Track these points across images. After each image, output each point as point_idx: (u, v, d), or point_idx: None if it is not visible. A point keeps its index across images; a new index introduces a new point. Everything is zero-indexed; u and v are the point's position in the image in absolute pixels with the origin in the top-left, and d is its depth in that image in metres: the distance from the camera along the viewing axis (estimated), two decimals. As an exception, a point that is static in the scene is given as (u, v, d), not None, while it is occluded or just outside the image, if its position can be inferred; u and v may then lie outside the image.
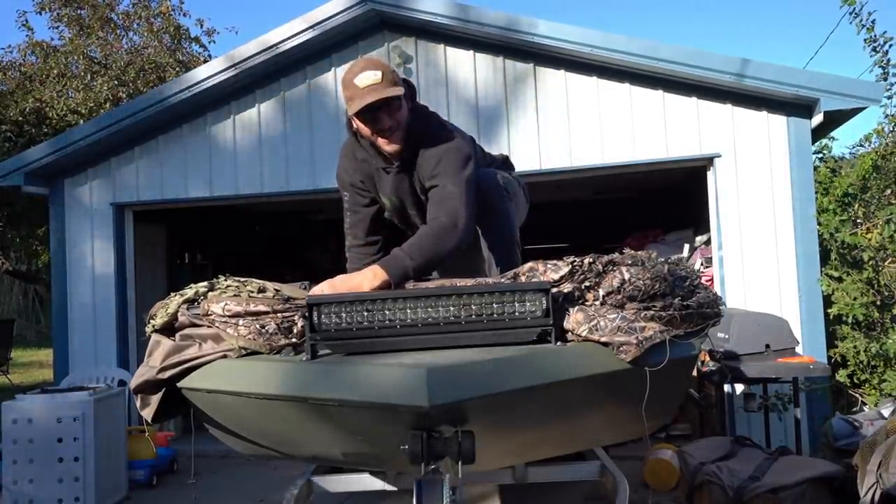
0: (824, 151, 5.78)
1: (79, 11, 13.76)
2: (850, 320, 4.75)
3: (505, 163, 2.98)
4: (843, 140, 36.55)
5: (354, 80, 2.36)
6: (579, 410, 2.00)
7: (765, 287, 5.13)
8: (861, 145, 5.91)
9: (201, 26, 14.84)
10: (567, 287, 1.94)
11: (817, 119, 5.00)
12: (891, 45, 5.22)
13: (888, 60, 5.25)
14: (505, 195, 2.58)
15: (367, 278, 2.15)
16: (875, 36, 5.25)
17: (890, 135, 5.53)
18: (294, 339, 1.99)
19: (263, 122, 5.90)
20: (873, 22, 5.24)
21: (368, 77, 2.34)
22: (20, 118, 11.13)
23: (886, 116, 5.43)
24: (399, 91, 2.35)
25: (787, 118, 5.15)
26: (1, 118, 10.89)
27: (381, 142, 2.46)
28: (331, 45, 5.71)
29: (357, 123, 2.46)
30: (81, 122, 10.60)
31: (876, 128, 5.63)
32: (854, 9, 5.25)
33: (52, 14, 13.68)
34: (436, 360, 1.72)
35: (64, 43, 13.64)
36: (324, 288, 2.16)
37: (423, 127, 2.49)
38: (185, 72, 12.35)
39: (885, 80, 5.27)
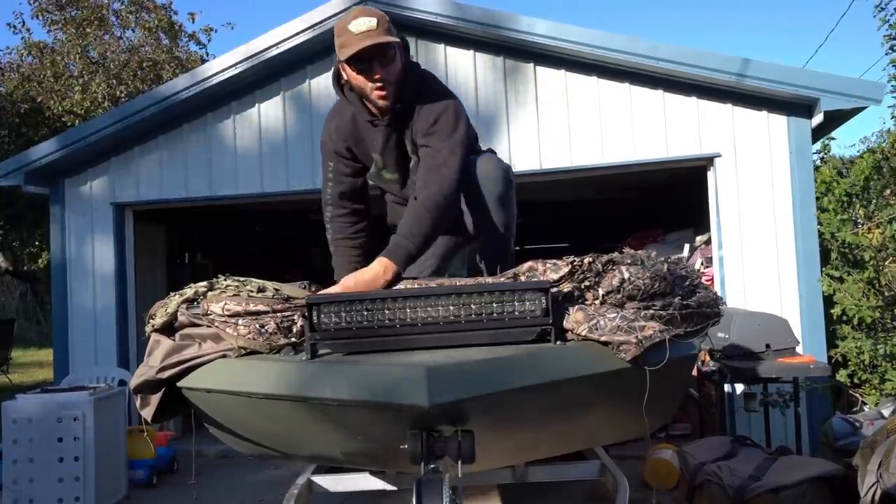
0: (825, 152, 5.76)
1: (73, 13, 13.70)
2: (854, 321, 4.74)
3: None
4: (842, 140, 36.52)
5: (348, 27, 2.29)
6: (579, 410, 2.00)
7: (765, 287, 5.12)
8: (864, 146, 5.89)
9: (193, 20, 14.76)
10: (567, 286, 1.93)
11: (817, 119, 5.00)
12: None
13: None
14: (511, 188, 2.54)
15: (378, 273, 2.14)
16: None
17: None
18: (294, 339, 1.99)
19: (263, 122, 5.89)
20: None
21: (363, 23, 2.26)
22: (17, 120, 11.11)
23: (893, 117, 5.41)
24: (394, 39, 2.29)
25: (787, 118, 5.16)
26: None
27: (373, 94, 2.38)
28: (330, 46, 5.69)
29: (347, 73, 2.39)
30: (78, 122, 10.59)
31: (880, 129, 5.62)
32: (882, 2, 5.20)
33: (46, 20, 13.62)
34: (436, 359, 1.72)
35: (61, 43, 13.60)
36: (337, 290, 2.12)
37: (419, 83, 2.44)
38: (181, 70, 12.34)
39: None
